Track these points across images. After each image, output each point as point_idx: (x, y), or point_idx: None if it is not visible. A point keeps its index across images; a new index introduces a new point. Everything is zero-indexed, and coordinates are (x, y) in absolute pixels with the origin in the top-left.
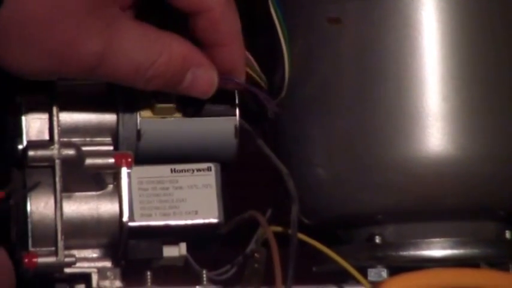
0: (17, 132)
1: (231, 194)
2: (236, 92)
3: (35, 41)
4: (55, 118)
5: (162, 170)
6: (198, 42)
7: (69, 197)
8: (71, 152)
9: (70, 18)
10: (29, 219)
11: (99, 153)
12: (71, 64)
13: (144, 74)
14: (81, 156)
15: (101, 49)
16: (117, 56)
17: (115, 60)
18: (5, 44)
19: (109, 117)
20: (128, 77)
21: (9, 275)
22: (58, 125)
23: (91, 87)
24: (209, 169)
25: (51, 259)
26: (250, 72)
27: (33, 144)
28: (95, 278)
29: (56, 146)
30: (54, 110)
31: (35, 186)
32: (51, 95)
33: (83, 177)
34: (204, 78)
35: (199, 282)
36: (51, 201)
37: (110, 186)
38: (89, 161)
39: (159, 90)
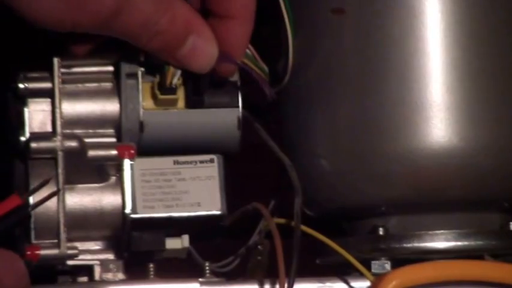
0: (19, 124)
1: (233, 186)
2: (239, 83)
3: None
4: (58, 110)
5: (165, 162)
6: (206, 13)
7: (71, 189)
8: (73, 143)
9: None
10: (31, 212)
11: (101, 145)
12: (86, 12)
13: (149, 29)
14: (83, 148)
15: (114, 3)
16: (130, 8)
17: (128, 13)
18: None
19: (112, 109)
20: (134, 31)
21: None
22: (61, 117)
23: (94, 78)
24: (212, 161)
25: (53, 251)
26: (250, 64)
27: (35, 136)
28: (97, 270)
29: (59, 137)
30: (57, 102)
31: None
32: (53, 87)
33: (85, 169)
34: (203, 50)
35: (202, 274)
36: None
37: (113, 178)
38: (91, 153)
39: (159, 52)
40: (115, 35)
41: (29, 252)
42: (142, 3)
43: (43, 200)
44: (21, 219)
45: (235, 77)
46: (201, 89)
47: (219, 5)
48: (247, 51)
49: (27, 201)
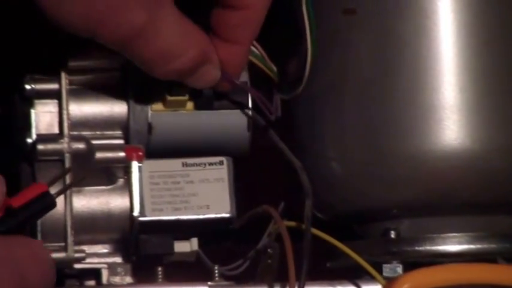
0: (26, 125)
1: (243, 188)
2: (248, 84)
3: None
4: (65, 111)
5: (174, 164)
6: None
7: (79, 192)
8: (81, 145)
9: None
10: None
11: (109, 147)
12: (108, 28)
13: (168, 63)
14: (91, 150)
15: (143, 23)
16: (154, 36)
17: (150, 40)
18: None
19: (120, 110)
20: (152, 61)
21: (52, 276)
22: (68, 119)
23: (101, 79)
24: (221, 163)
25: (60, 254)
26: (258, 63)
27: (42, 138)
28: (105, 274)
29: (66, 139)
30: (64, 103)
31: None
32: (60, 88)
33: (93, 171)
34: (210, 74)
35: (211, 278)
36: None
37: (121, 181)
38: (99, 155)
39: (167, 79)
40: (129, 57)
41: None
42: (169, 31)
43: (66, 188)
44: (46, 206)
45: (245, 78)
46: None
47: (225, 31)
48: (255, 50)
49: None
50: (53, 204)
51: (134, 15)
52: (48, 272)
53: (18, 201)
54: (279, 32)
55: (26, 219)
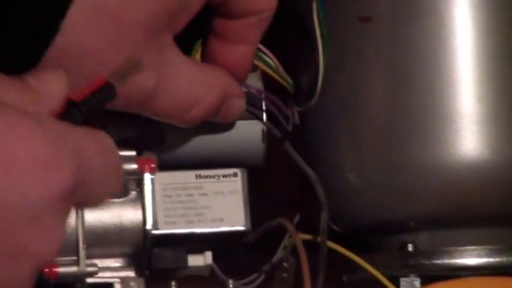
0: None
1: (257, 201)
2: (263, 95)
3: (89, 75)
4: None
5: (187, 176)
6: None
7: None
8: None
9: (124, 50)
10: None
11: (121, 159)
12: (119, 98)
13: (186, 113)
14: None
15: (152, 86)
16: (165, 93)
17: (163, 98)
18: None
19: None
20: (170, 115)
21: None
22: None
23: None
24: (235, 175)
25: (72, 269)
26: (273, 74)
27: None
28: None
29: None
30: None
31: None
32: None
33: None
34: (235, 107)
35: None
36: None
37: (133, 193)
38: None
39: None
40: (149, 115)
41: (47, 270)
42: (180, 84)
43: (124, 74)
44: (107, 96)
45: (260, 87)
46: None
47: (230, 32)
48: (270, 61)
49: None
50: (114, 93)
51: (143, 80)
52: (112, 160)
53: (79, 95)
54: (292, 41)
55: (89, 110)
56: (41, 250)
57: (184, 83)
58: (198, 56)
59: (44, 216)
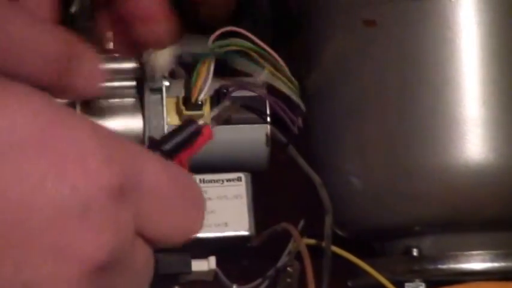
0: None
1: (262, 205)
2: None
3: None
4: None
5: None
6: None
7: None
8: None
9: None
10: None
11: None
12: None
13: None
14: None
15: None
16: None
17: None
18: None
19: (135, 125)
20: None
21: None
22: None
23: (116, 93)
24: (239, 179)
25: None
26: (280, 77)
27: None
28: None
29: None
30: None
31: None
32: (75, 104)
33: None
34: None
35: None
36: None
37: None
38: None
39: None
40: None
41: None
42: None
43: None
44: (192, 132)
45: (263, 90)
46: None
47: None
48: (277, 62)
49: None
50: (199, 130)
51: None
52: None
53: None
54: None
55: (172, 147)
56: (91, 251)
57: None
58: None
59: (93, 214)
